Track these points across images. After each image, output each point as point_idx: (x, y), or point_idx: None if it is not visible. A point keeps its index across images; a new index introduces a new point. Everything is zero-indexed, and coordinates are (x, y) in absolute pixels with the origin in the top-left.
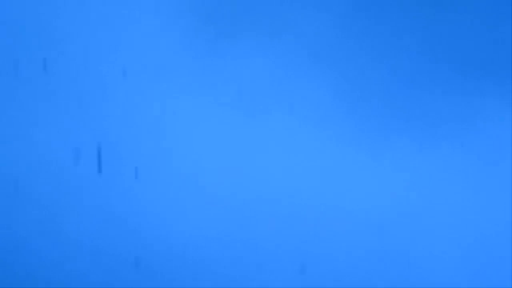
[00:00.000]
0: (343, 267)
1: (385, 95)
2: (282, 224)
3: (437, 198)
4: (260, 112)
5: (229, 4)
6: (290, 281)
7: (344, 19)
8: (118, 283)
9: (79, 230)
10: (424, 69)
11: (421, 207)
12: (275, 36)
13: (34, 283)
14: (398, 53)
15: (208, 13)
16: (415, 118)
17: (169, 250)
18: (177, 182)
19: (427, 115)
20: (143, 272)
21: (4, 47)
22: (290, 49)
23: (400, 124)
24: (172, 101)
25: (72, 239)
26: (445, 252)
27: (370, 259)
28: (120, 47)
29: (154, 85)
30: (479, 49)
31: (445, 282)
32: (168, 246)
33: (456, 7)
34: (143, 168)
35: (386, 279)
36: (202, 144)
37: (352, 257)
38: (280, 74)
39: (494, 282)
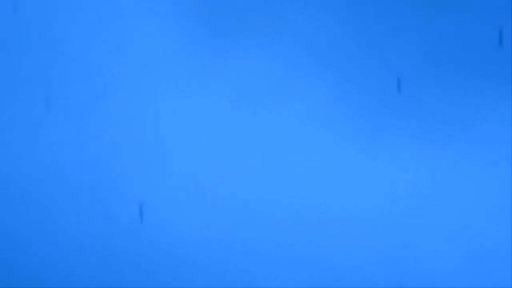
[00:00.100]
0: (343, 267)
1: (385, 95)
2: (282, 224)
3: (437, 198)
4: (260, 112)
5: (229, 4)
6: (290, 281)
7: (344, 19)
8: (118, 283)
9: (79, 230)
10: (424, 69)
11: (421, 207)
12: (275, 36)
13: (34, 283)
14: (398, 53)
15: (208, 13)
16: (415, 118)
17: (169, 250)
18: (176, 182)
19: (427, 115)
20: (143, 272)
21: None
22: (290, 49)
23: (400, 124)
24: (172, 101)
25: (72, 239)
26: (445, 252)
27: (370, 259)
28: (120, 47)
29: (153, 85)
30: (479, 49)
31: (445, 282)
32: (168, 246)
33: (456, 7)
34: (143, 168)
35: (386, 279)
36: (202, 144)
37: (352, 257)
38: (280, 74)
39: (494, 282)
